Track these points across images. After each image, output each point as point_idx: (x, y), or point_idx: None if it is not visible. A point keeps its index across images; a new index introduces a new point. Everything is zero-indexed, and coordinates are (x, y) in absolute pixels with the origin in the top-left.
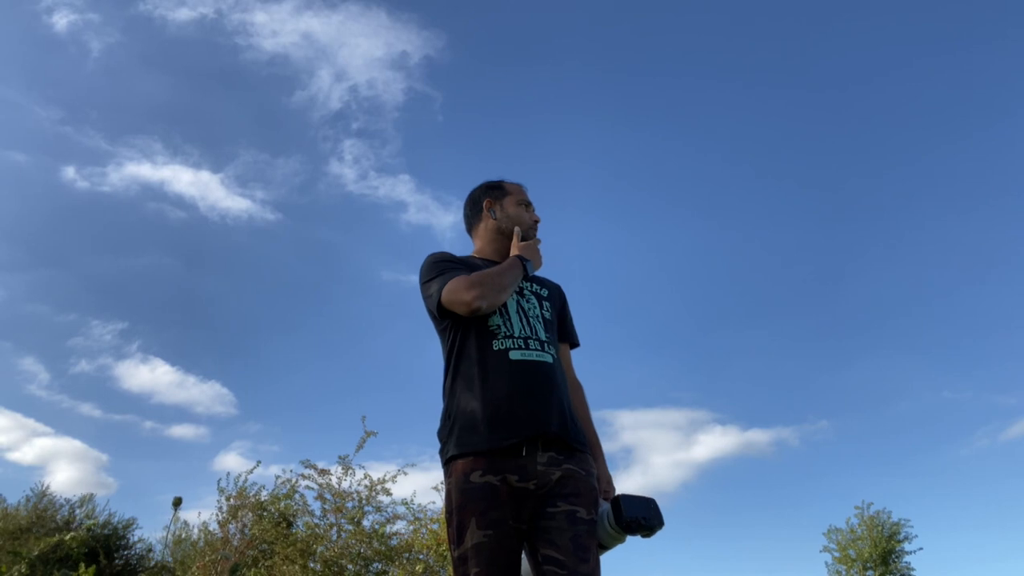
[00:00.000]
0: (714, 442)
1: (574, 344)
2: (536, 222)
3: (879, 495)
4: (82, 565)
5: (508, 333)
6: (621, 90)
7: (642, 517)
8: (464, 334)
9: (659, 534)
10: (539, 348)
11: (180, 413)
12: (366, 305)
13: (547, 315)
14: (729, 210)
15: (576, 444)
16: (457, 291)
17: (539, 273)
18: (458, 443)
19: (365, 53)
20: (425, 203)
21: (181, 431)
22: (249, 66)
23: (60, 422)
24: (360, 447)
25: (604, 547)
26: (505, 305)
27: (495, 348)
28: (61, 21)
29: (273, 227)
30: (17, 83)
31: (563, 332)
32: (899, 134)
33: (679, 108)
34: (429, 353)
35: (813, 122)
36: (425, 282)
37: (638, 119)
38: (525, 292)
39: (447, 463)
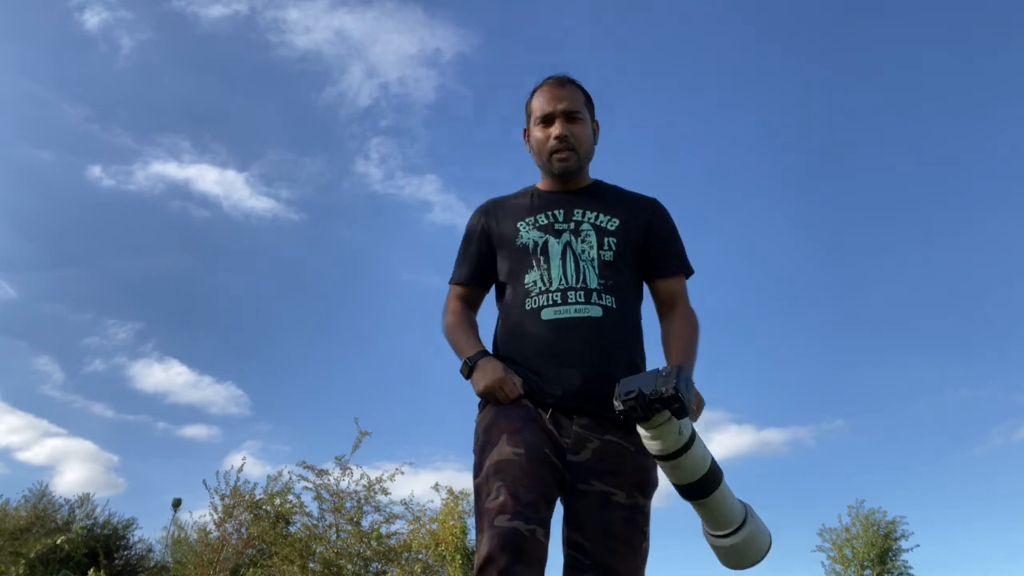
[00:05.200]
0: (728, 441)
1: (679, 273)
2: (557, 138)
3: (892, 494)
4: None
5: (544, 288)
6: (647, 90)
7: (626, 392)
8: (501, 295)
9: (667, 536)
10: (581, 301)
11: (194, 413)
12: (385, 306)
13: (606, 256)
14: (743, 207)
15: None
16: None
17: (628, 186)
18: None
19: (398, 50)
20: (450, 203)
21: (193, 431)
22: (280, 63)
23: (73, 422)
24: (356, 447)
25: (666, 439)
26: (547, 249)
27: (527, 308)
28: (93, 19)
29: (296, 227)
30: (46, 80)
31: (655, 266)
32: (924, 130)
33: (693, 107)
34: (447, 354)
35: (835, 119)
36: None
37: (654, 118)
38: (583, 228)
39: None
